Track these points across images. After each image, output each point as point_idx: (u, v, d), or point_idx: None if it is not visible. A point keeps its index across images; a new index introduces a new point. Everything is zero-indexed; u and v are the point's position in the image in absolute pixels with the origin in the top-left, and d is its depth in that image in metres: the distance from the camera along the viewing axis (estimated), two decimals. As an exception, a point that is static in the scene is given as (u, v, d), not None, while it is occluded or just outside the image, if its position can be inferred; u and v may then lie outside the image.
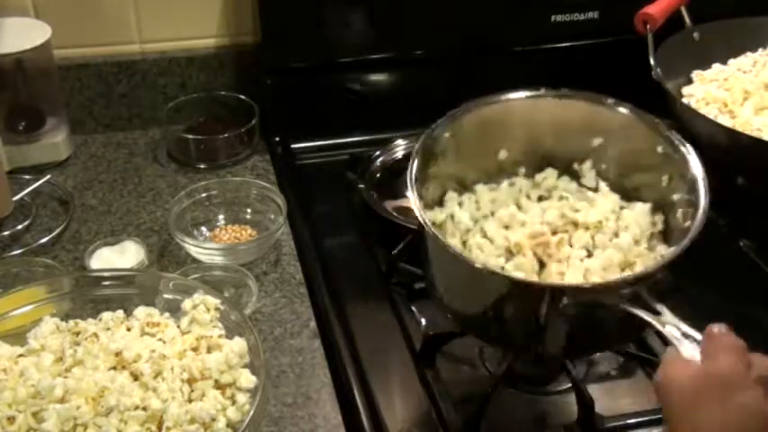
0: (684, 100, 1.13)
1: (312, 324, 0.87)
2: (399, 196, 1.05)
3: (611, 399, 0.81)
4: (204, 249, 0.93)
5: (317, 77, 1.17)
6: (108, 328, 0.76)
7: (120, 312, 0.78)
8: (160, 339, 0.74)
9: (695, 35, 1.18)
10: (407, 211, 1.02)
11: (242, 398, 0.70)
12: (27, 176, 1.05)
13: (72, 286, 0.80)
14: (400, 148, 1.12)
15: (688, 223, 0.75)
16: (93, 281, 0.81)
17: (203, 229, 0.99)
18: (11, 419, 0.67)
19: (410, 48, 1.17)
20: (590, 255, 0.80)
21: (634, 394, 0.82)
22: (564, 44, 1.20)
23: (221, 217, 1.01)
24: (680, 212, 0.80)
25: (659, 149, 0.82)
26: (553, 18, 1.17)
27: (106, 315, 0.77)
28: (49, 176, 1.05)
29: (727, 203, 1.05)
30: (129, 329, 0.75)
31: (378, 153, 1.10)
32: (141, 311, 0.77)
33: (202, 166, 1.11)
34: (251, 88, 1.18)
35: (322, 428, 0.76)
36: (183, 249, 0.94)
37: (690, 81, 1.18)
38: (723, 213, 1.05)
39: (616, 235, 0.82)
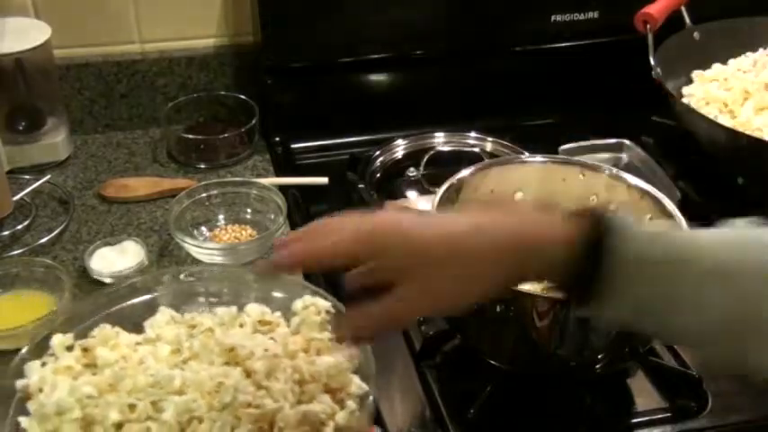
0: (684, 100, 1.13)
1: (312, 324, 0.87)
2: (399, 196, 1.05)
3: (611, 398, 0.81)
4: (204, 249, 0.93)
5: (317, 77, 1.17)
6: (222, 323, 0.75)
7: (234, 309, 0.77)
8: (272, 338, 0.73)
9: (695, 35, 1.18)
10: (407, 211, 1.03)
11: (351, 403, 0.68)
12: (27, 176, 1.05)
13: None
14: (400, 148, 1.12)
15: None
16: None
17: (203, 229, 0.99)
18: (132, 407, 0.67)
19: (410, 48, 1.17)
20: None
21: (634, 394, 0.82)
22: (564, 44, 1.20)
23: (221, 217, 1.01)
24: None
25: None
26: (553, 18, 1.17)
27: (221, 310, 0.77)
28: (49, 176, 1.05)
29: (727, 203, 1.06)
30: (241, 326, 0.75)
31: (378, 153, 1.10)
32: (254, 309, 0.77)
33: (202, 166, 1.11)
34: (251, 88, 1.18)
35: (322, 428, 0.76)
36: (183, 249, 0.94)
37: (690, 81, 1.18)
38: (723, 213, 1.05)
39: None
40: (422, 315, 0.60)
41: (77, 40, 1.13)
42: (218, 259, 0.93)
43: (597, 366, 0.79)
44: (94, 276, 0.91)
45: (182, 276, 0.80)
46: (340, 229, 0.58)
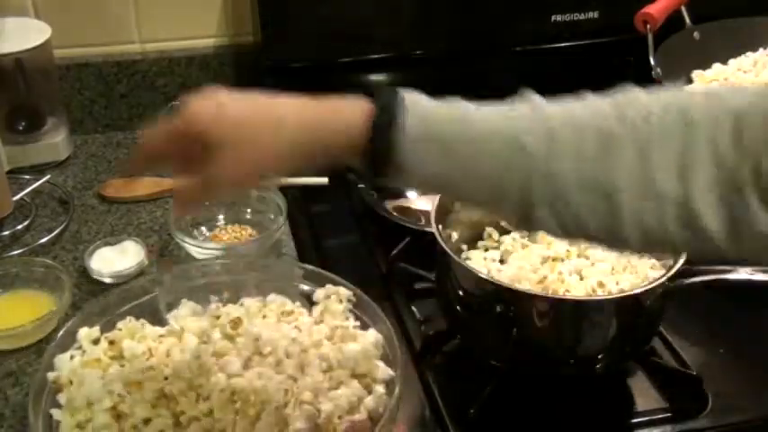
0: (685, 100, 1.13)
1: (312, 324, 0.87)
2: (399, 196, 1.05)
3: (611, 398, 0.81)
4: (204, 249, 0.93)
5: (317, 77, 1.17)
6: (247, 315, 0.76)
7: (260, 299, 0.78)
8: (296, 327, 0.74)
9: (695, 35, 1.18)
10: (407, 211, 1.03)
11: (379, 388, 0.70)
12: (27, 176, 1.05)
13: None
14: (400, 148, 1.12)
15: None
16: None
17: (203, 229, 0.99)
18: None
19: (410, 48, 1.17)
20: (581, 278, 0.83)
21: (634, 394, 0.82)
22: (564, 44, 1.20)
23: (221, 217, 1.01)
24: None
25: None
26: (553, 18, 1.17)
27: (248, 301, 0.78)
28: (48, 176, 1.05)
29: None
30: (264, 317, 0.76)
31: (378, 153, 1.10)
32: (275, 299, 0.78)
33: (202, 166, 1.11)
34: (251, 88, 1.18)
35: (322, 428, 0.76)
36: (183, 249, 0.94)
37: (690, 81, 1.18)
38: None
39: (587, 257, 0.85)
40: (240, 181, 0.63)
41: (77, 40, 1.13)
42: (218, 259, 0.93)
43: (597, 366, 0.79)
44: (94, 276, 0.91)
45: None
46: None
